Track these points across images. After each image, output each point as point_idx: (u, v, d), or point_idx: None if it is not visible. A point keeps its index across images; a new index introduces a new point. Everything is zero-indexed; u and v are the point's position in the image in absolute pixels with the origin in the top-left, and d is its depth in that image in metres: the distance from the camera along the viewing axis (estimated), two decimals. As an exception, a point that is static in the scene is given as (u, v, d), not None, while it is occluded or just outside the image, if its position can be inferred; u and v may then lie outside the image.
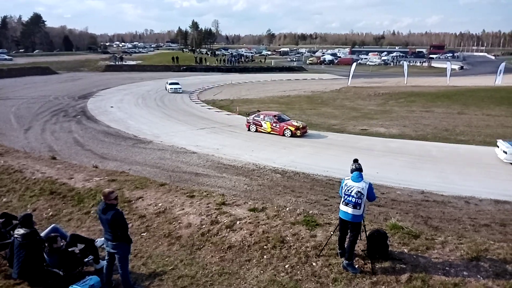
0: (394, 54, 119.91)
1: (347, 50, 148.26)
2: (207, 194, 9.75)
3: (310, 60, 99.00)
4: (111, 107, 32.29)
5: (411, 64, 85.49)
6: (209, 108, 33.17)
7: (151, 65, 76.08)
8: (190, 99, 38.55)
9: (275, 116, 23.38)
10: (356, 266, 6.34)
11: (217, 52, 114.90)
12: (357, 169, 6.33)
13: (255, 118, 23.68)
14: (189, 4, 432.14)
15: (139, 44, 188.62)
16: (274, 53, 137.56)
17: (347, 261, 6.32)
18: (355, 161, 6.48)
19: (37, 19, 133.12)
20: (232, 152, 18.49)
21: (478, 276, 5.87)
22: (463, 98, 35.90)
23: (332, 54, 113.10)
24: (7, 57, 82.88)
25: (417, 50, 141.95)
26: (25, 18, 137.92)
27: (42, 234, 6.94)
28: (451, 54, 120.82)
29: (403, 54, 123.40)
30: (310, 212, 8.63)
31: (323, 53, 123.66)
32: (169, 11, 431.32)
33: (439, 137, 21.70)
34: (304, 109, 32.80)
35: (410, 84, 48.48)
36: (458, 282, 5.77)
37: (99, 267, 6.81)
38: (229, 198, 9.62)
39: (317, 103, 36.79)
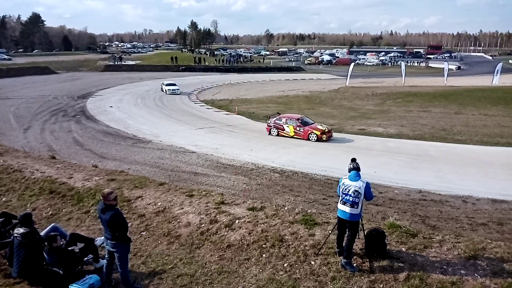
0: (392, 54, 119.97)
1: (345, 50, 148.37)
2: (206, 194, 9.78)
3: (309, 60, 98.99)
4: (111, 107, 32.29)
5: (409, 64, 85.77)
6: (208, 108, 33.21)
7: (150, 65, 76.04)
8: (189, 99, 38.58)
9: (298, 119, 22.18)
10: (354, 265, 6.38)
11: (216, 52, 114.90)
12: (355, 168, 6.37)
13: (276, 121, 22.50)
14: (188, 4, 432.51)
15: (138, 44, 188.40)
16: (273, 53, 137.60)
17: (345, 260, 6.36)
18: (353, 160, 6.52)
19: (36, 19, 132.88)
20: (231, 152, 18.53)
21: (476, 275, 5.91)
22: (460, 98, 35.99)
23: (330, 54, 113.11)
24: (6, 57, 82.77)
25: (414, 50, 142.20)
26: (24, 18, 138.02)
27: (42, 233, 6.96)
28: (448, 55, 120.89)
29: (401, 54, 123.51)
30: (309, 211, 8.66)
31: (321, 53, 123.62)
32: (168, 11, 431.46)
33: (437, 137, 21.77)
34: (303, 109, 32.82)
35: (408, 84, 48.57)
36: (456, 280, 5.82)
37: (98, 266, 6.83)
38: (228, 197, 9.65)
39: (316, 103, 36.86)
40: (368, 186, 6.25)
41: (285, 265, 6.64)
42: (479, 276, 5.87)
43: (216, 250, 7.30)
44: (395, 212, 11.00)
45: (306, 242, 7.12)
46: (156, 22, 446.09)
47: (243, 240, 7.42)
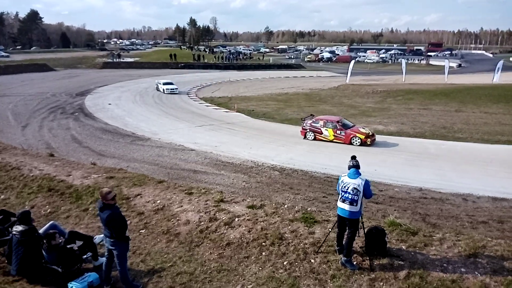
0: (392, 51, 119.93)
1: (345, 47, 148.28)
2: (206, 191, 9.75)
3: (308, 58, 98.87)
4: (109, 104, 32.19)
5: (409, 61, 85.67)
6: (207, 106, 33.13)
7: (149, 62, 75.92)
8: (188, 96, 38.49)
9: (338, 121, 20.46)
10: (354, 263, 6.37)
11: (215, 49, 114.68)
12: (354, 166, 6.34)
13: (313, 124, 20.80)
14: (187, 1, 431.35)
15: (136, 41, 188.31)
16: (272, 50, 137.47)
17: (345, 258, 6.34)
18: (353, 157, 6.49)
19: (34, 16, 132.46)
20: (231, 150, 18.48)
21: (476, 273, 5.89)
22: (460, 95, 35.94)
23: (330, 52, 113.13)
24: (4, 54, 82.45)
25: (415, 48, 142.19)
26: (22, 15, 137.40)
27: (41, 231, 6.95)
28: (449, 52, 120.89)
29: (401, 52, 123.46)
30: (309, 209, 8.64)
31: (321, 50, 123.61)
32: (167, 8, 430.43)
33: (437, 135, 21.74)
34: (302, 106, 32.79)
35: (408, 81, 48.51)
36: (456, 278, 5.80)
37: (97, 264, 6.82)
38: (228, 195, 9.62)
39: (315, 100, 36.80)
40: (367, 183, 6.22)
41: (284, 263, 6.62)
42: (479, 274, 5.85)
43: (216, 248, 7.28)
44: (395, 210, 10.97)
45: (306, 240, 7.09)
46: (155, 19, 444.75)
47: (242, 238, 7.40)
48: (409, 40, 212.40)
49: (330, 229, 7.10)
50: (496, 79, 45.35)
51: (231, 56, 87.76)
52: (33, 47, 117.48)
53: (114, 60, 78.33)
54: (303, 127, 21.20)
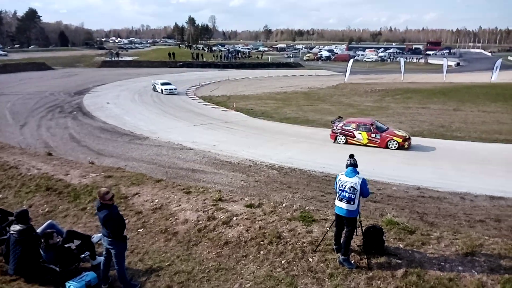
0: (391, 50, 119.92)
1: (344, 46, 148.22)
2: (204, 190, 9.75)
3: (307, 56, 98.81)
4: (108, 103, 32.16)
5: (408, 60, 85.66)
6: (205, 104, 33.13)
7: (148, 61, 75.83)
8: (187, 95, 38.48)
9: (372, 124, 19.36)
10: (352, 262, 6.37)
11: (214, 48, 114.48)
12: (352, 164, 6.35)
13: (344, 127, 19.69)
14: (186, 0, 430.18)
15: (135, 40, 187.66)
16: (271, 49, 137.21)
17: (343, 257, 6.35)
18: (351, 156, 6.50)
19: (32, 14, 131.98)
20: (229, 148, 18.49)
21: (473, 271, 5.91)
22: (459, 94, 36.00)
23: (329, 51, 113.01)
24: (2, 52, 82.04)
25: (414, 46, 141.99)
26: (20, 13, 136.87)
27: (38, 230, 6.93)
28: (447, 51, 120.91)
29: (400, 51, 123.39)
30: (307, 208, 8.65)
31: (320, 49, 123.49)
32: (165, 7, 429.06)
33: (435, 134, 21.79)
34: (301, 105, 32.81)
35: (407, 80, 48.56)
36: (453, 277, 5.82)
37: (95, 263, 6.81)
38: (226, 194, 9.62)
39: (314, 99, 36.82)
40: (364, 182, 6.22)
41: (282, 262, 6.63)
42: (476, 273, 5.88)
43: (214, 247, 7.28)
44: (393, 209, 11.00)
45: (304, 239, 7.10)
46: (153, 18, 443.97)
47: (240, 237, 7.41)
48: (408, 39, 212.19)
49: (328, 228, 7.10)
50: (495, 77, 45.40)
51: (230, 55, 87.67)
52: (32, 46, 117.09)
53: (113, 58, 78.14)
54: (333, 131, 20.03)
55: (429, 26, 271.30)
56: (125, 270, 6.23)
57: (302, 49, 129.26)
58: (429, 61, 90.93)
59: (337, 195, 6.40)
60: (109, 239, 5.97)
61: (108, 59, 77.44)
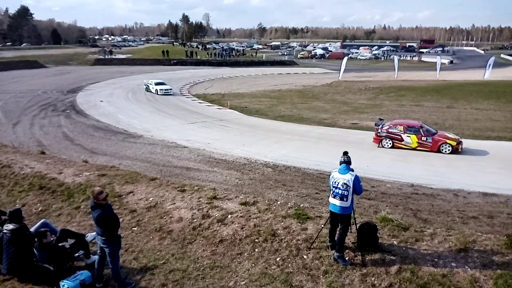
0: (385, 48, 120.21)
1: (338, 44, 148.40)
2: (198, 189, 9.75)
3: (301, 54, 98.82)
4: (101, 101, 31.97)
5: (402, 58, 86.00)
6: (200, 102, 33.05)
7: (141, 58, 75.45)
8: (181, 93, 38.33)
9: (421, 127, 18.16)
10: (347, 258, 6.41)
11: (208, 46, 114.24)
12: (345, 161, 6.38)
13: (390, 130, 18.41)
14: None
15: (128, 38, 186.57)
16: (265, 47, 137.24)
17: (337, 254, 6.39)
18: (345, 153, 6.53)
19: (24, 12, 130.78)
20: (223, 146, 18.46)
21: (466, 267, 5.97)
22: (452, 92, 36.22)
23: (323, 48, 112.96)
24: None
25: (407, 44, 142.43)
26: (12, 11, 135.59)
27: (32, 229, 6.89)
28: (441, 49, 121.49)
29: (394, 49, 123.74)
30: (301, 205, 8.68)
31: (314, 47, 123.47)
32: (159, 4, 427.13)
33: (429, 131, 21.86)
34: (296, 103, 32.84)
35: (400, 78, 48.76)
36: (447, 273, 5.87)
37: (90, 262, 6.79)
38: (221, 192, 9.63)
39: (308, 97, 36.86)
40: (357, 179, 6.25)
41: (277, 259, 6.65)
42: (469, 268, 5.93)
43: (209, 245, 7.28)
44: (387, 206, 11.06)
45: (299, 236, 7.13)
46: (147, 15, 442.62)
47: (235, 235, 7.41)
48: (402, 37, 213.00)
49: (322, 225, 7.13)
50: (487, 75, 45.71)
51: (224, 52, 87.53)
52: (24, 44, 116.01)
53: (106, 56, 77.67)
54: (378, 134, 18.71)
55: (423, 24, 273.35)
56: (119, 269, 6.22)
57: (296, 47, 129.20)
58: (422, 59, 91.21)
59: (331, 192, 6.44)
60: (103, 238, 5.95)
61: (101, 57, 76.96)
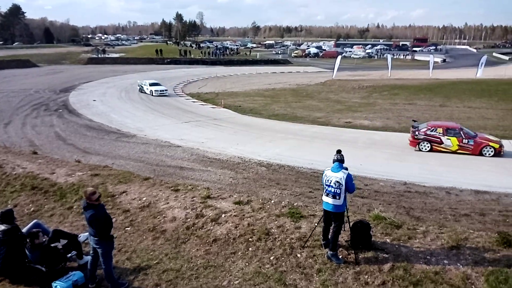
0: (378, 47, 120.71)
1: (332, 43, 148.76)
2: (192, 188, 9.73)
3: (295, 53, 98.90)
4: (94, 100, 31.77)
5: (395, 57, 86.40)
6: (193, 102, 32.95)
7: (135, 57, 75.08)
8: (175, 92, 38.19)
9: (461, 129, 17.49)
10: (340, 257, 6.44)
11: (201, 45, 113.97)
12: (338, 160, 6.40)
13: (428, 132, 17.65)
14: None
15: (122, 37, 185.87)
16: (259, 45, 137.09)
17: (331, 252, 6.41)
18: (338, 152, 6.55)
19: (16, 11, 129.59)
20: (217, 146, 18.43)
21: (458, 264, 6.02)
22: (445, 90, 36.47)
23: (317, 47, 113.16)
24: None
25: (401, 43, 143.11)
26: (3, 9, 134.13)
27: (24, 230, 6.85)
28: (434, 47, 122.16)
29: (387, 47, 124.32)
30: (295, 204, 8.69)
31: (308, 46, 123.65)
32: (152, 3, 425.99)
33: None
34: (289, 102, 32.87)
35: (394, 77, 49.00)
36: (439, 270, 5.92)
37: (82, 262, 6.75)
38: (214, 191, 9.62)
39: (302, 96, 36.91)
40: (349, 177, 6.28)
41: (271, 258, 6.66)
42: (461, 266, 5.99)
43: (202, 245, 7.27)
44: (380, 204, 11.11)
45: (292, 235, 7.14)
46: (140, 14, 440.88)
47: (229, 234, 7.41)
48: (395, 35, 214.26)
49: (316, 224, 7.15)
50: (480, 74, 46.07)
51: (218, 51, 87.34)
52: (16, 43, 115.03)
53: (99, 55, 77.27)
54: (415, 137, 17.88)
55: (416, 23, 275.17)
56: (112, 269, 6.19)
57: (290, 45, 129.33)
58: (415, 57, 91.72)
59: (324, 190, 6.46)
60: (96, 239, 5.92)
61: (94, 56, 76.58)
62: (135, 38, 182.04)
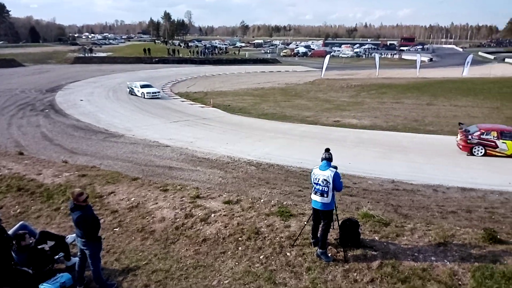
0: (366, 46, 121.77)
1: (321, 42, 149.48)
2: (181, 188, 9.69)
3: (284, 52, 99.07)
4: (81, 100, 31.39)
5: (383, 56, 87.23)
6: (182, 101, 32.77)
7: (122, 57, 74.30)
8: (163, 91, 37.94)
9: None
10: (329, 255, 6.48)
11: (190, 44, 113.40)
12: (326, 158, 6.45)
13: (482, 136, 16.70)
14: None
15: (109, 36, 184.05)
16: (248, 45, 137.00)
17: (320, 250, 6.45)
18: (327, 150, 6.59)
19: (0, 9, 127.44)
20: (207, 145, 18.38)
21: (445, 261, 6.11)
22: (432, 89, 36.92)
23: (305, 46, 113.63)
24: (-32, 48, 79.08)
25: (388, 42, 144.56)
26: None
27: (10, 232, 6.75)
28: (421, 47, 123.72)
29: (375, 47, 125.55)
30: (285, 203, 8.72)
31: (297, 45, 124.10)
32: (140, 2, 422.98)
33: (409, 128, 22.26)
34: (279, 101, 32.92)
35: (381, 76, 49.44)
36: (426, 267, 5.99)
37: (70, 264, 6.68)
38: (204, 191, 9.60)
39: (291, 95, 37.00)
40: (337, 175, 6.32)
41: (261, 257, 6.67)
42: (448, 262, 6.07)
43: (192, 245, 7.25)
44: (368, 202, 11.19)
45: (282, 234, 7.16)
46: (127, 13, 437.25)
47: (219, 234, 7.40)
48: (383, 35, 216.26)
49: (305, 222, 7.18)
50: (466, 73, 46.79)
51: (206, 50, 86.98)
52: (0, 42, 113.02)
53: (86, 55, 76.31)
54: (468, 141, 16.89)
55: (403, 22, 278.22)
56: (100, 271, 6.14)
57: (279, 45, 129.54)
58: (403, 56, 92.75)
59: (313, 188, 6.50)
60: (83, 240, 5.86)
61: (81, 55, 75.61)
62: (123, 37, 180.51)
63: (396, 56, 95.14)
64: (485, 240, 6.58)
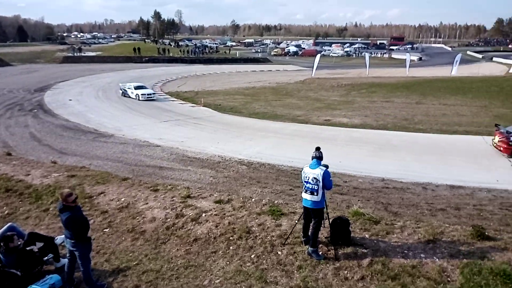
0: (356, 45, 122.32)
1: (311, 41, 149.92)
2: (172, 188, 9.66)
3: (275, 52, 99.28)
4: (70, 100, 31.08)
5: (373, 55, 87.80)
6: (173, 100, 32.64)
7: (112, 56, 73.78)
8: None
9: None
10: (320, 253, 6.50)
11: (180, 43, 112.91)
12: (317, 157, 6.48)
13: None
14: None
15: (98, 35, 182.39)
16: (239, 44, 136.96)
17: (311, 248, 6.47)
18: (317, 149, 6.61)
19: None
20: (197, 145, 18.32)
21: (434, 258, 6.17)
22: (421, 88, 37.24)
23: (296, 46, 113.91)
24: (-46, 48, 77.79)
25: (378, 42, 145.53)
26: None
27: (-3, 234, 6.65)
28: (410, 46, 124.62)
29: (365, 46, 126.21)
30: (275, 202, 8.74)
31: (288, 44, 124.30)
32: (130, 1, 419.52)
33: (399, 126, 22.42)
34: (269, 100, 32.95)
35: (372, 75, 49.74)
36: (416, 264, 6.05)
37: (59, 265, 6.62)
38: (195, 191, 9.57)
39: (282, 94, 37.05)
40: (326, 173, 6.34)
41: (252, 256, 6.67)
42: (437, 259, 6.14)
43: (183, 245, 7.23)
44: (359, 200, 11.26)
45: (273, 233, 7.17)
46: (117, 12, 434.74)
47: (210, 233, 7.39)
48: (373, 34, 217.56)
49: (296, 221, 7.20)
50: (454, 71, 47.29)
51: (197, 49, 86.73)
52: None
53: (75, 54, 75.67)
54: (510, 143, 15.93)
55: (393, 22, 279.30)
56: (90, 272, 6.09)
57: (270, 44, 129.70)
58: (393, 56, 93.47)
59: (303, 187, 6.52)
60: (72, 241, 5.81)
61: (70, 54, 75.01)
62: (112, 36, 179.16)
63: (386, 55, 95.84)
64: (474, 237, 6.67)
